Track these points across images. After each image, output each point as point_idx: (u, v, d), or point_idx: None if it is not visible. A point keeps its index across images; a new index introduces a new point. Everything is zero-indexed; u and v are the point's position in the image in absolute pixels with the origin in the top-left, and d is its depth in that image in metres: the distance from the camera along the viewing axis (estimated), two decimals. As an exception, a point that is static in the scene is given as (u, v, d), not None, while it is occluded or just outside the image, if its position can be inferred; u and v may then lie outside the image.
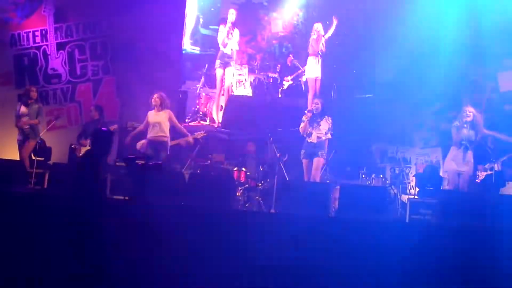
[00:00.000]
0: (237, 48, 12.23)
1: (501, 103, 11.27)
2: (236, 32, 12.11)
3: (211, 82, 12.80)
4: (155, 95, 9.61)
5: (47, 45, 12.91)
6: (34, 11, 12.92)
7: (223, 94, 12.30)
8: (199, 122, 12.45)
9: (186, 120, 12.30)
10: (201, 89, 12.83)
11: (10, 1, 12.74)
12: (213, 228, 6.69)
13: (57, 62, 12.87)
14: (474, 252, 6.53)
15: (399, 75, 11.82)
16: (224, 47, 11.94)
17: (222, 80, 12.15)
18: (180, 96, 12.44)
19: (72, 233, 5.69)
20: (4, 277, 6.17)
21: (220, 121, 12.21)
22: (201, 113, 12.63)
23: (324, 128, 9.36)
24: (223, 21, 12.36)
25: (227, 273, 6.32)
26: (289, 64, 12.59)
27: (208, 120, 12.55)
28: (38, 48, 12.92)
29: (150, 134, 9.56)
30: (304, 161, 9.45)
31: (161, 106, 9.54)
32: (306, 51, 12.02)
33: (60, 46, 12.86)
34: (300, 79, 12.70)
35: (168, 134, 9.61)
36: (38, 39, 12.94)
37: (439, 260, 6.50)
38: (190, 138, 10.27)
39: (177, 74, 12.60)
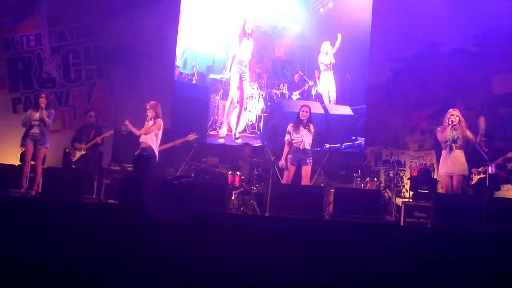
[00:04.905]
0: (250, 58, 12.52)
1: (495, 106, 11.28)
2: (251, 42, 12.43)
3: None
4: (147, 106, 9.16)
5: (41, 49, 12.90)
6: (28, 15, 12.91)
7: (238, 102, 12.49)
8: (217, 132, 12.53)
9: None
10: (219, 101, 12.84)
11: (3, 5, 12.71)
12: (208, 231, 6.68)
13: (51, 66, 12.87)
14: (469, 255, 6.53)
15: (393, 78, 11.85)
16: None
17: (241, 88, 12.43)
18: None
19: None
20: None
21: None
22: (219, 123, 12.65)
23: (309, 136, 9.15)
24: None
25: (222, 276, 6.31)
26: (296, 81, 12.85)
27: (226, 130, 12.54)
28: (32, 52, 12.90)
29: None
30: (292, 167, 9.06)
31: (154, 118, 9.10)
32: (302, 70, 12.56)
33: (54, 50, 12.86)
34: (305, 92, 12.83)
35: (152, 142, 9.05)
36: (32, 43, 12.93)
37: (434, 263, 6.50)
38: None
39: (171, 79, 12.58)
